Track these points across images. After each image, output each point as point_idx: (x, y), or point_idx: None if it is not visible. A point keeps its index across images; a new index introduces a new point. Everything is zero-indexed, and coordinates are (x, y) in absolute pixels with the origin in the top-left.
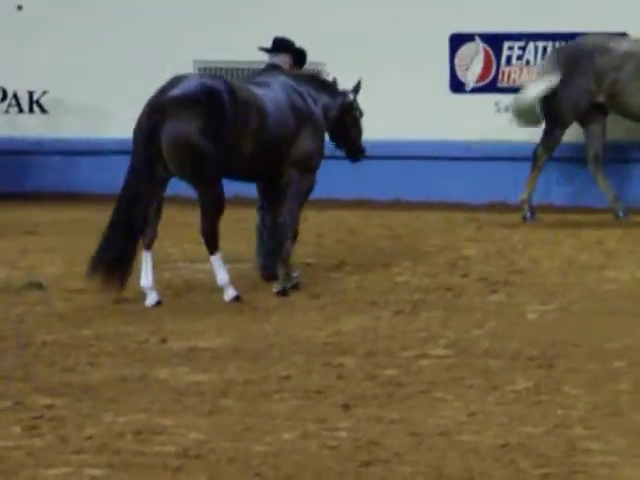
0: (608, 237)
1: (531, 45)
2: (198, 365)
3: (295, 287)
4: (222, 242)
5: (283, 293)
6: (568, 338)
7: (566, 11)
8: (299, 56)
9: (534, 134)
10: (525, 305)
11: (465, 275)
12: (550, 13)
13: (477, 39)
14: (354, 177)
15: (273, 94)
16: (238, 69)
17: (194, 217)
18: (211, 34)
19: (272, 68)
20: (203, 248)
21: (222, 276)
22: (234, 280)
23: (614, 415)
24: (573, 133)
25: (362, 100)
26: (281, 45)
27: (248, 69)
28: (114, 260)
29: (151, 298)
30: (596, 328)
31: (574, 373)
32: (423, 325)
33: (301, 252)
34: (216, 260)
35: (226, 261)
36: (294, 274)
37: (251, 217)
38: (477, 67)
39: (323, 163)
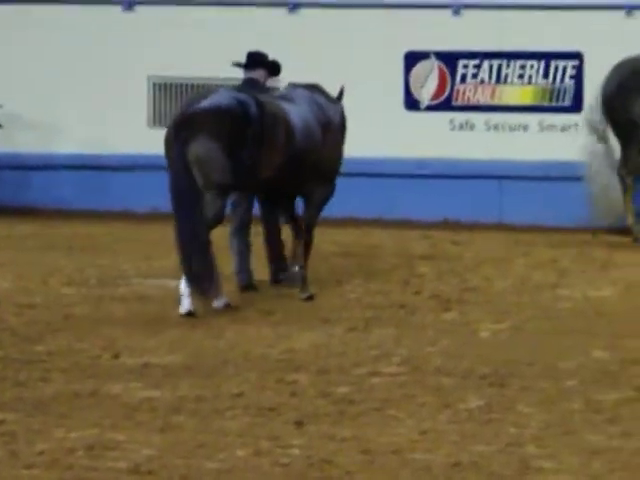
0: (561, 256)
1: (485, 64)
2: (151, 381)
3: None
4: (168, 258)
5: (310, 298)
6: (521, 357)
7: (520, 30)
8: (273, 68)
9: (489, 151)
10: (478, 323)
11: (418, 293)
12: (504, 32)
13: (432, 57)
14: None
15: (298, 108)
16: (193, 85)
17: (146, 233)
18: (165, 50)
19: (250, 82)
20: (156, 264)
21: None
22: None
23: (567, 434)
24: (528, 151)
25: None
26: (256, 59)
27: (203, 85)
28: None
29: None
30: (549, 347)
31: (527, 392)
32: (376, 342)
33: (254, 269)
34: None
35: (176, 278)
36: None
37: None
38: (432, 85)
39: None
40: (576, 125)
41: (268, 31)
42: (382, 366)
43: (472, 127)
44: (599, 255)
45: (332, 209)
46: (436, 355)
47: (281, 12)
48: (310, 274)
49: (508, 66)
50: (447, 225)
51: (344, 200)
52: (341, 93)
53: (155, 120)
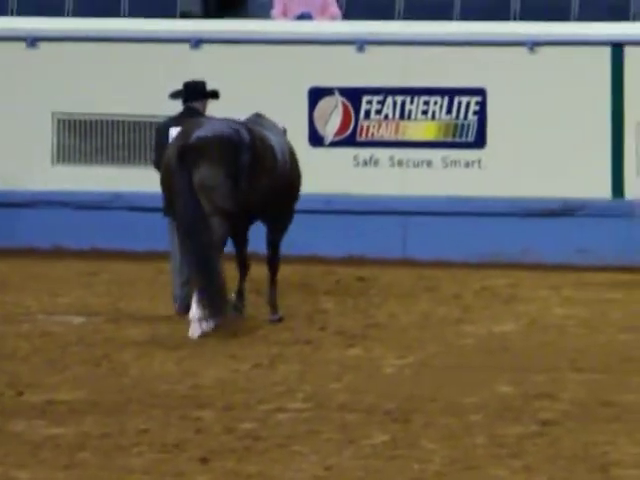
0: (465, 292)
1: (389, 99)
2: (55, 418)
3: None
4: (72, 295)
5: (279, 320)
6: (425, 392)
7: (423, 66)
8: (213, 97)
9: (393, 187)
10: (382, 359)
11: (323, 329)
12: (408, 68)
13: (336, 93)
14: None
15: (274, 136)
16: (97, 121)
17: (50, 270)
18: (69, 86)
19: (190, 112)
20: (61, 300)
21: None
22: (89, 334)
23: (470, 469)
24: (432, 187)
25: None
26: (195, 89)
27: (108, 121)
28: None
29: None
30: (453, 382)
31: (431, 427)
32: (281, 378)
33: (159, 305)
34: None
35: (80, 314)
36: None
37: (107, 269)
38: (336, 121)
39: None
40: (479, 161)
41: (172, 66)
42: (287, 402)
43: (376, 163)
44: (503, 290)
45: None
46: (341, 391)
47: (184, 48)
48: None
49: (412, 102)
50: (352, 261)
51: (251, 236)
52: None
53: (59, 157)
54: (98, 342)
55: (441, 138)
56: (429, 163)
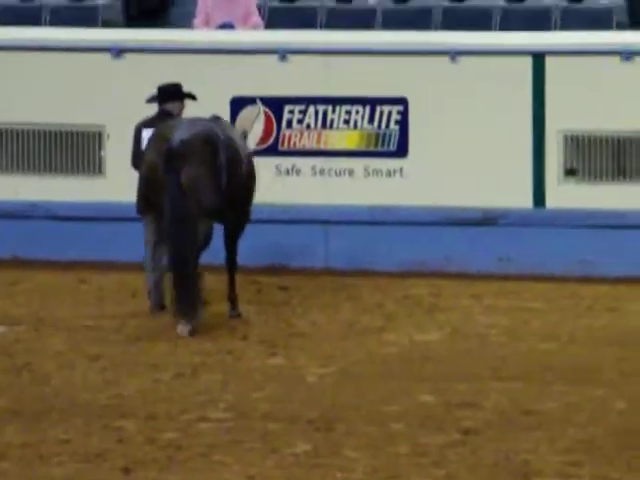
0: (388, 300)
1: (311, 109)
2: None
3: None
4: None
5: (238, 316)
6: (347, 401)
7: (345, 76)
8: (189, 98)
9: (315, 196)
10: (304, 368)
11: (245, 338)
12: (330, 77)
13: (258, 102)
14: (135, 238)
15: (238, 139)
16: (17, 130)
17: None
18: None
19: (164, 114)
20: None
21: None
22: (10, 343)
23: (393, 478)
24: (354, 196)
25: None
26: (171, 92)
27: (31, 130)
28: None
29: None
30: (375, 391)
31: (353, 436)
32: (203, 388)
33: (82, 314)
34: None
35: (2, 324)
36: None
37: (28, 278)
38: (258, 130)
39: (102, 227)
40: (401, 170)
41: (93, 75)
42: (209, 412)
43: (298, 172)
44: (425, 299)
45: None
46: (263, 400)
47: (106, 57)
48: (138, 319)
49: (334, 111)
50: (274, 270)
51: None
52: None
53: None
54: (19, 351)
55: (363, 147)
56: (351, 172)
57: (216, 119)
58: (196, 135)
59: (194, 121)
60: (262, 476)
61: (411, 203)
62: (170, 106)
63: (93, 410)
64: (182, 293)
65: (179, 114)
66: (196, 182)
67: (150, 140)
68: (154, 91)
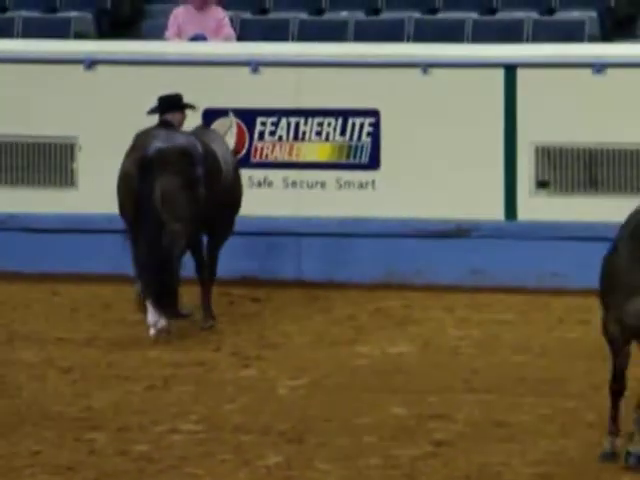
0: (359, 313)
1: (283, 121)
2: None
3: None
4: None
5: (210, 327)
6: (319, 413)
7: (317, 88)
8: (189, 108)
9: (287, 208)
10: (276, 380)
11: (217, 350)
12: (302, 90)
13: (230, 114)
14: (108, 250)
15: (219, 149)
16: None
17: None
18: None
19: (165, 125)
20: None
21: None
22: None
23: None
24: (326, 208)
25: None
26: (172, 102)
27: (3, 143)
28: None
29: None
30: (347, 403)
31: (325, 448)
32: (174, 400)
33: (54, 326)
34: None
35: None
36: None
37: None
38: (230, 143)
39: (75, 238)
40: (373, 182)
41: (66, 87)
42: (181, 423)
43: (270, 184)
44: (397, 312)
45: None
46: (235, 412)
47: (79, 68)
48: (110, 332)
49: (306, 123)
50: (246, 282)
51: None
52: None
53: None
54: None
55: (335, 159)
56: (323, 184)
57: (202, 129)
58: (173, 145)
59: (173, 131)
60: None
61: (383, 215)
62: (170, 117)
63: (64, 422)
64: (159, 297)
65: (180, 125)
66: (170, 192)
67: (129, 149)
68: (154, 102)
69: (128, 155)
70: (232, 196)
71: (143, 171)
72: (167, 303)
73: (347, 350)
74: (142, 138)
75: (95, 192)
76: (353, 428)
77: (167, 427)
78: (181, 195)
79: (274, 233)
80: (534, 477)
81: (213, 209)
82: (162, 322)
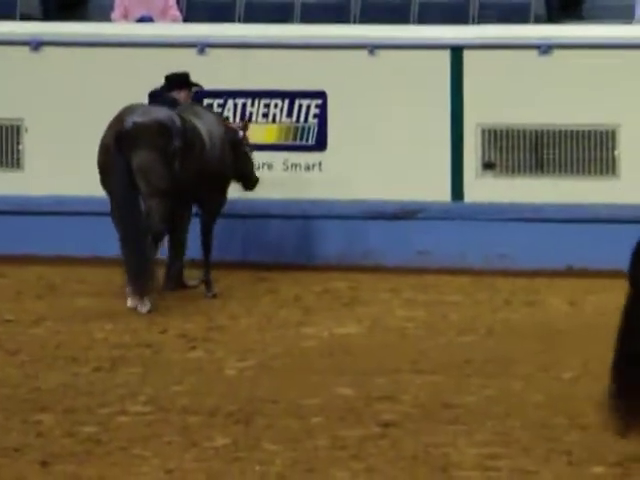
0: (306, 294)
1: (230, 102)
2: None
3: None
4: None
5: (214, 296)
6: (266, 394)
7: (264, 69)
8: (196, 86)
9: (234, 190)
10: (223, 361)
11: (164, 331)
12: (248, 71)
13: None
14: (53, 232)
15: (205, 125)
16: None
17: None
18: None
19: (171, 102)
20: None
21: None
22: None
23: (312, 471)
24: (273, 190)
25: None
26: (178, 80)
27: None
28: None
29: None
30: (294, 384)
31: (272, 429)
32: (122, 381)
33: (1, 308)
34: None
35: None
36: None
37: None
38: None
39: (21, 220)
40: (320, 164)
41: (12, 69)
42: (128, 405)
43: None
44: (344, 293)
45: (79, 248)
46: (182, 394)
47: (24, 50)
48: (56, 313)
49: (252, 105)
50: (193, 264)
51: (89, 239)
52: (245, 125)
53: None
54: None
55: (282, 141)
56: (270, 166)
57: (192, 105)
58: (150, 119)
59: (151, 106)
60: (181, 470)
61: (330, 197)
62: (176, 94)
63: (12, 404)
64: (135, 270)
65: (185, 102)
66: (146, 164)
67: (111, 121)
68: (147, 83)
69: (109, 127)
70: (217, 170)
71: (119, 144)
72: (139, 279)
73: (294, 331)
74: (123, 111)
75: (41, 174)
76: (300, 409)
77: (115, 409)
78: (156, 168)
79: (221, 215)
80: (480, 458)
81: (198, 184)
82: (142, 308)
